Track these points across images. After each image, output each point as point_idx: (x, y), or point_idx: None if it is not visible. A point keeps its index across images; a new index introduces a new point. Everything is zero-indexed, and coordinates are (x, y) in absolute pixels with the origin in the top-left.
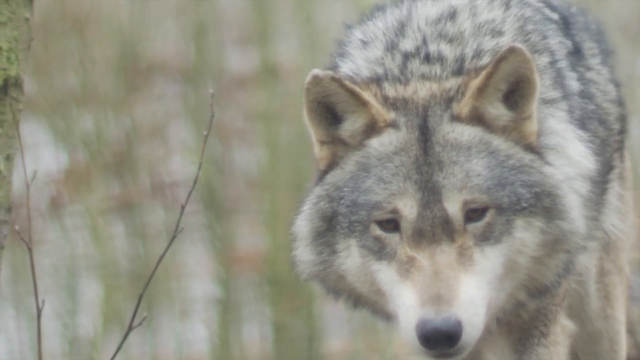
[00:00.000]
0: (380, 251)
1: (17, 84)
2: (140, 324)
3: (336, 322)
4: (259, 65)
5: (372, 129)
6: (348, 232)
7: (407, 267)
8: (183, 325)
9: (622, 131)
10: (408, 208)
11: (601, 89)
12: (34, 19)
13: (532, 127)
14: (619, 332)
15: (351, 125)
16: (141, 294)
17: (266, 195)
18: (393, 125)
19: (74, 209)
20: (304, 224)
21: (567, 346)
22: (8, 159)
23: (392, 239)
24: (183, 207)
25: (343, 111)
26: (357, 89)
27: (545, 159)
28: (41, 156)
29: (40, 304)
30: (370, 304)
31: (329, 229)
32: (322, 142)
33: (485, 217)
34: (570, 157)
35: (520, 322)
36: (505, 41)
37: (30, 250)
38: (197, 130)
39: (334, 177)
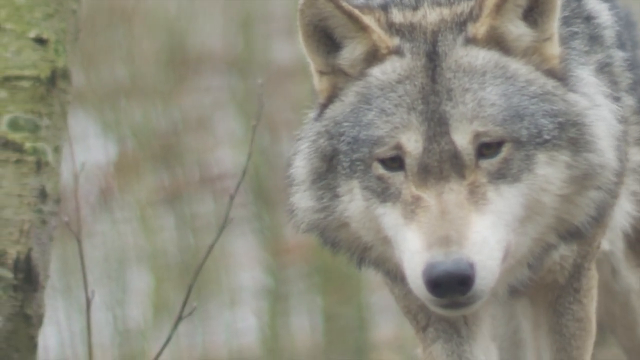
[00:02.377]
0: (384, 192)
1: (65, 75)
2: (190, 314)
3: (385, 312)
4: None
5: (374, 56)
6: (350, 173)
7: (412, 208)
8: (233, 316)
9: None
10: (412, 142)
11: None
12: (81, 11)
13: (553, 49)
14: None
15: (350, 53)
16: (191, 285)
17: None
18: (397, 52)
19: (123, 200)
20: (302, 164)
21: (596, 278)
22: (56, 150)
23: (397, 178)
24: (232, 198)
25: (342, 37)
26: (356, 11)
27: (570, 86)
28: (90, 148)
29: (90, 295)
30: (377, 257)
31: (329, 169)
32: (321, 72)
33: (500, 153)
34: (600, 92)
35: (553, 280)
36: None
37: (79, 241)
38: (244, 121)
39: (333, 111)
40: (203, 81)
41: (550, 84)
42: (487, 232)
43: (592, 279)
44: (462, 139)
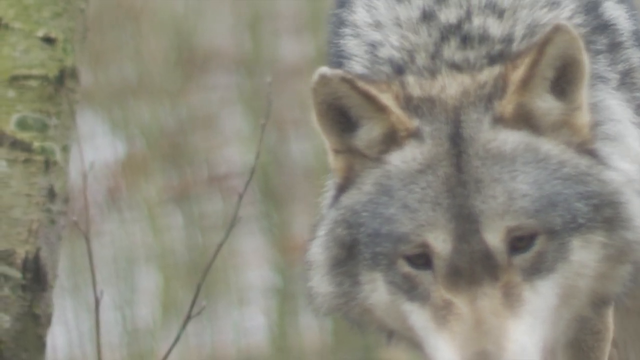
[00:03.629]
0: (411, 290)
1: (73, 74)
2: (198, 313)
3: None
4: (314, 54)
5: (392, 139)
6: (372, 265)
7: (443, 314)
8: (241, 315)
9: None
10: (440, 242)
11: None
12: (89, 10)
13: (583, 118)
14: None
15: (367, 134)
16: (199, 284)
17: (322, 183)
18: (416, 135)
19: (131, 199)
20: (319, 250)
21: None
22: (65, 149)
23: (424, 277)
24: (241, 197)
25: (358, 116)
26: (373, 91)
27: (602, 160)
28: (98, 147)
29: (99, 295)
30: (407, 340)
31: (349, 257)
32: (336, 151)
33: (534, 246)
34: (630, 147)
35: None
36: (563, 15)
37: (87, 240)
38: (252, 119)
39: (350, 198)
40: (211, 79)
41: (584, 163)
42: (526, 339)
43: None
44: (494, 238)
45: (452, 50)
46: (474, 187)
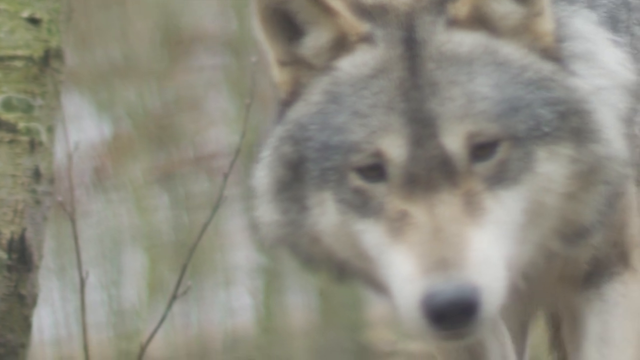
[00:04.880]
0: (363, 206)
1: (58, 55)
2: (184, 293)
3: None
4: None
5: (342, 45)
6: (320, 183)
7: (398, 226)
8: (227, 295)
9: None
10: (395, 148)
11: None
12: None
13: (546, 25)
14: None
15: (315, 41)
16: (185, 264)
17: None
18: (367, 39)
19: (117, 180)
20: (263, 174)
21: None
22: (50, 130)
23: (378, 189)
24: (226, 177)
25: (304, 22)
26: None
27: (568, 68)
28: (84, 128)
29: (84, 275)
30: (358, 273)
31: (295, 179)
32: (281, 63)
33: (496, 153)
34: (603, 65)
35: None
36: None
37: (73, 221)
38: (238, 100)
39: (297, 112)
40: (197, 61)
41: (547, 68)
42: (489, 248)
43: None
44: (452, 142)
45: None
46: (430, 90)
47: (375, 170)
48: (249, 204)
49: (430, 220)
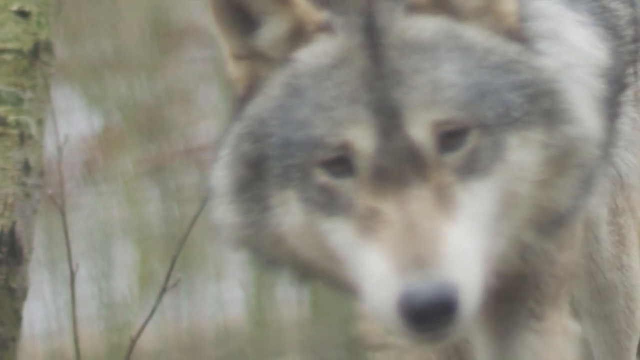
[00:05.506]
0: (330, 204)
1: (48, 48)
2: (174, 285)
3: None
4: None
5: (300, 35)
6: (283, 181)
7: (369, 223)
8: (219, 287)
9: (637, 39)
10: (362, 140)
11: None
12: None
13: (508, 4)
14: (637, 287)
15: (271, 32)
16: (175, 256)
17: None
18: (326, 28)
19: (108, 173)
20: (223, 174)
21: (570, 349)
22: (40, 123)
23: (345, 185)
24: None
25: (259, 12)
26: None
27: (534, 48)
28: (75, 121)
29: (75, 268)
30: (324, 274)
31: (257, 178)
32: (237, 57)
33: (466, 143)
34: (570, 44)
35: (507, 292)
36: None
37: (63, 214)
38: (228, 93)
39: (256, 107)
40: (187, 53)
41: (513, 49)
42: (464, 243)
43: (560, 324)
44: (419, 132)
45: None
46: (394, 79)
47: (342, 164)
48: (209, 205)
49: (402, 217)
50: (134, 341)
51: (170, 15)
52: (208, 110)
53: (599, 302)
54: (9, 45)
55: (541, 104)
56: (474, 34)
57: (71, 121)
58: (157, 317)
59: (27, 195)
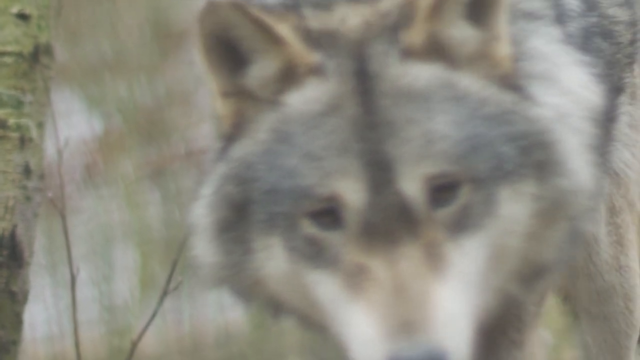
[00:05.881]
0: (316, 256)
1: (48, 51)
2: (175, 288)
3: None
4: None
5: (290, 77)
6: (268, 228)
7: (357, 281)
8: (220, 290)
9: (634, 40)
10: (352, 193)
11: None
12: None
13: (504, 49)
14: (635, 287)
15: (261, 71)
16: (176, 259)
17: None
18: (318, 71)
19: (108, 176)
20: (205, 212)
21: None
22: (40, 126)
23: (333, 239)
24: None
25: (250, 50)
26: (267, 20)
27: (528, 95)
28: (75, 124)
29: (76, 272)
30: (303, 317)
31: (240, 220)
32: (225, 94)
33: (458, 198)
34: (564, 88)
35: (489, 326)
36: None
37: (63, 217)
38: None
39: (242, 149)
40: (187, 55)
41: (508, 99)
42: (454, 306)
43: (538, 344)
44: (411, 187)
45: None
46: (386, 129)
47: (330, 216)
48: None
49: (391, 276)
50: (134, 344)
51: (170, 17)
52: (208, 112)
53: (598, 302)
54: (9, 48)
55: (534, 156)
56: (469, 83)
57: (71, 124)
58: (158, 320)
59: (28, 198)
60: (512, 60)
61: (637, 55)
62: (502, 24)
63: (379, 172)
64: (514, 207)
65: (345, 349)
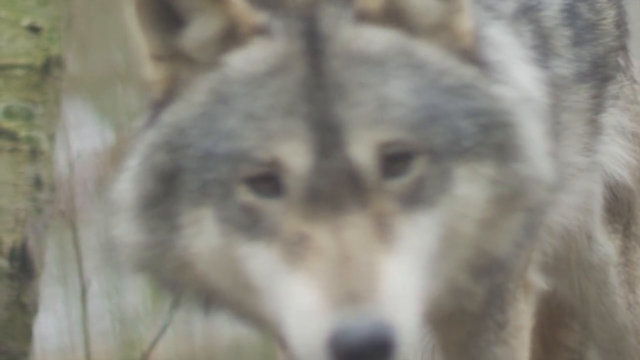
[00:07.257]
0: (252, 226)
1: (59, 63)
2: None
3: None
4: None
5: (232, 38)
6: (198, 198)
7: (297, 250)
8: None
9: (622, 35)
10: (295, 157)
11: None
12: None
13: (466, 23)
14: None
15: (199, 32)
16: None
17: None
18: (263, 32)
19: None
20: (129, 186)
21: (531, 318)
22: (51, 138)
23: (272, 206)
24: None
25: (187, 9)
26: None
27: (489, 73)
28: (87, 135)
29: (87, 283)
30: (237, 306)
31: (168, 192)
32: (156, 58)
33: (411, 169)
34: (515, 81)
35: (460, 308)
36: None
37: (74, 229)
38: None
39: (175, 114)
40: None
41: (469, 73)
42: (403, 280)
43: (523, 315)
44: (361, 152)
45: None
46: (336, 92)
47: (270, 182)
48: (110, 221)
49: (336, 246)
50: (145, 356)
51: None
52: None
53: (611, 340)
54: (20, 61)
55: (494, 136)
56: (428, 52)
57: (82, 135)
58: (170, 332)
59: (39, 210)
60: (474, 35)
61: (627, 49)
62: None
63: (326, 135)
64: (471, 187)
65: (282, 327)
